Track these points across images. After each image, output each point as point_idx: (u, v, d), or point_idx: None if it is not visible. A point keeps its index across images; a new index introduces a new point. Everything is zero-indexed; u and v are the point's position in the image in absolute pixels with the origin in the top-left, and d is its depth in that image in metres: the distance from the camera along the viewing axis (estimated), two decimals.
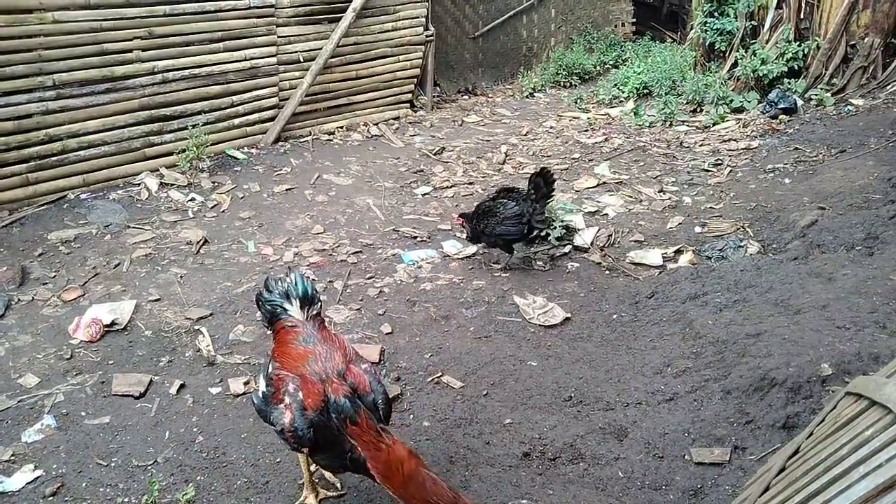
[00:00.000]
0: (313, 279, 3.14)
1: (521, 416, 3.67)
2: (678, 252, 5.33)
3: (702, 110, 8.77)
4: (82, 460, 3.32)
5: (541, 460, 3.37)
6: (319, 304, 3.09)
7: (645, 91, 9.53)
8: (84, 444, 3.42)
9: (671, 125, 8.42)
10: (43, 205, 5.88)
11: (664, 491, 3.16)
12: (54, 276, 4.90)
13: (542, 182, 4.91)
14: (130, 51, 6.23)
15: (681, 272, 4.96)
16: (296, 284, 3.02)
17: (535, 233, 4.97)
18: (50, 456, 3.35)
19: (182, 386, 3.86)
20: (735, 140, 7.74)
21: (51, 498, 3.10)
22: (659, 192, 6.51)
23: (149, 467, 3.29)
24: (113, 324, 4.33)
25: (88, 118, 6.09)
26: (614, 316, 4.57)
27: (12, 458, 3.32)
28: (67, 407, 3.68)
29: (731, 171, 6.89)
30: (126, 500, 3.11)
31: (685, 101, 8.97)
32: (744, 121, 8.18)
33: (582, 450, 3.42)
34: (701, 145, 7.72)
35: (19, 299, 4.61)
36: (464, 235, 5.32)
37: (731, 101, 8.61)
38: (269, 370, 2.84)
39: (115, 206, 5.98)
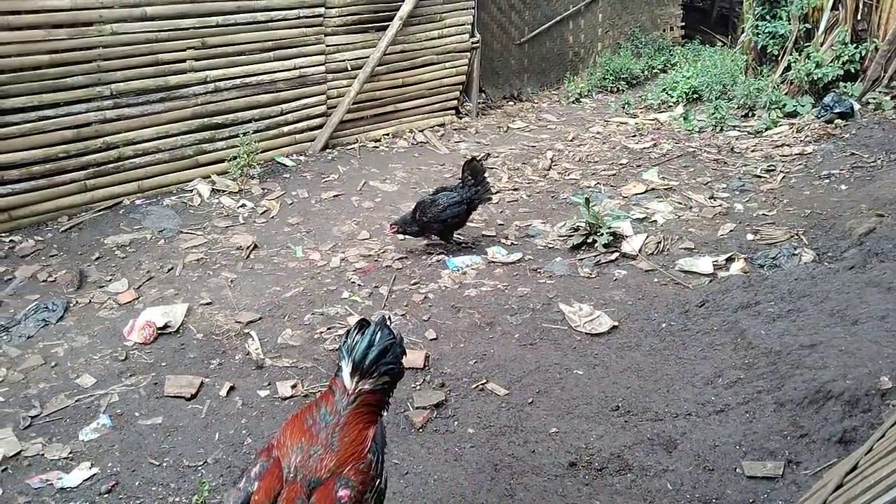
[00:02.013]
0: (392, 340, 2.51)
1: (568, 426, 3.63)
2: (729, 260, 5.21)
3: (753, 115, 8.58)
4: (136, 459, 3.41)
5: (587, 470, 3.33)
6: (383, 382, 2.45)
7: (694, 96, 9.36)
8: (137, 444, 3.51)
9: (722, 130, 8.25)
10: (100, 210, 6.07)
11: None
12: (110, 280, 5.05)
13: (479, 167, 5.54)
14: (184, 61, 6.39)
15: (732, 280, 4.85)
16: (356, 344, 2.43)
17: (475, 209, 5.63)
18: (105, 454, 3.44)
19: (232, 388, 3.94)
20: (788, 145, 7.54)
21: (106, 495, 3.19)
22: (709, 198, 6.38)
23: (199, 468, 3.37)
24: (166, 326, 4.44)
25: (143, 126, 6.27)
26: (663, 325, 4.49)
27: (70, 455, 3.43)
28: (122, 407, 3.78)
29: (784, 178, 6.72)
30: (177, 499, 3.18)
31: (736, 106, 8.79)
32: (797, 126, 7.96)
33: (629, 461, 3.36)
34: (753, 151, 7.55)
35: (77, 301, 4.77)
36: (403, 237, 5.58)
37: (784, 105, 8.40)
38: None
39: (169, 211, 6.13)
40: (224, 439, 3.56)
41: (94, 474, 3.31)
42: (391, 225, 5.50)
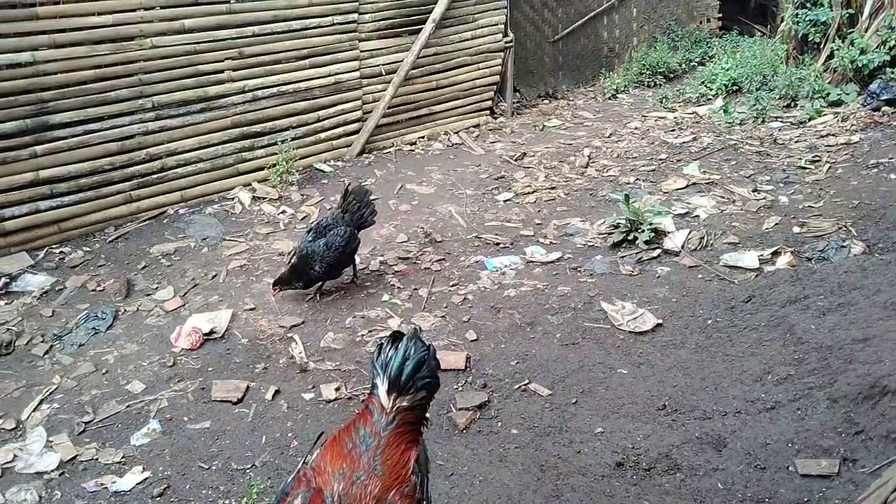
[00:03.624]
0: (426, 352, 2.38)
1: (613, 425, 3.58)
2: (776, 254, 5.09)
3: (796, 105, 8.38)
4: (186, 463, 3.47)
5: (635, 470, 3.28)
6: (421, 397, 2.33)
7: (734, 87, 9.19)
8: (187, 448, 3.58)
9: (763, 122, 8.07)
10: (145, 220, 6.20)
11: None
12: (157, 288, 5.15)
13: (363, 189, 5.17)
14: (222, 71, 6.50)
15: (779, 275, 4.74)
16: (391, 360, 2.31)
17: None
18: (156, 458, 3.51)
19: (277, 392, 3.98)
20: (833, 135, 7.34)
21: (158, 498, 3.26)
22: (753, 191, 6.25)
23: (247, 470, 3.41)
24: (211, 332, 4.52)
25: (185, 137, 6.39)
26: (709, 321, 4.41)
27: (123, 459, 3.51)
28: (171, 412, 3.85)
29: (830, 168, 6.54)
30: (226, 502, 3.23)
31: (778, 97, 8.59)
32: (842, 114, 7.75)
33: (678, 460, 3.31)
34: (796, 142, 7.37)
35: (125, 310, 4.88)
36: (301, 290, 4.98)
37: (828, 94, 8.19)
38: (311, 457, 2.28)
39: (212, 220, 6.24)
40: (271, 442, 3.60)
41: (147, 478, 3.38)
42: (273, 286, 4.86)
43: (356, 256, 5.47)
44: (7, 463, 3.47)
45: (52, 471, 3.42)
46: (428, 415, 2.48)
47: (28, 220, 5.61)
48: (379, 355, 2.35)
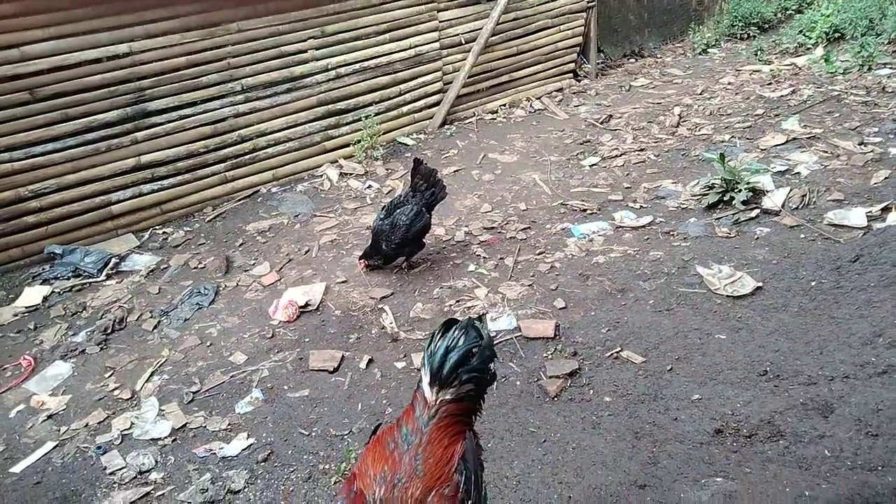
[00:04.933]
0: (476, 343, 2.22)
1: (711, 392, 3.48)
2: (886, 210, 4.76)
3: None
4: (287, 430, 3.62)
5: (735, 437, 3.18)
6: (467, 390, 2.17)
7: (836, 35, 8.60)
8: (288, 416, 3.73)
9: (870, 69, 7.52)
10: (240, 200, 6.44)
11: (881, 472, 2.85)
12: (254, 264, 5.36)
13: (429, 169, 4.97)
14: (305, 51, 6.61)
15: (890, 232, 4.43)
16: (436, 351, 2.16)
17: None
18: (259, 426, 3.68)
19: (370, 361, 4.08)
20: None
21: (263, 463, 3.41)
22: (859, 144, 5.85)
23: (345, 436, 3.52)
24: (307, 305, 4.67)
25: (273, 117, 6.56)
26: (813, 283, 4.18)
27: (229, 427, 3.69)
28: (272, 381, 4.02)
29: None
30: (327, 466, 3.35)
31: (886, 41, 7.99)
32: None
33: (781, 427, 3.18)
34: None
35: (226, 285, 5.10)
36: (381, 262, 5.03)
37: None
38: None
39: (302, 197, 6.42)
40: (366, 409, 3.70)
41: (251, 444, 3.55)
42: (359, 260, 5.07)
43: (442, 228, 5.52)
44: (126, 430, 3.72)
45: (165, 437, 3.65)
46: (481, 406, 2.31)
47: (132, 203, 5.94)
48: (429, 344, 2.20)
